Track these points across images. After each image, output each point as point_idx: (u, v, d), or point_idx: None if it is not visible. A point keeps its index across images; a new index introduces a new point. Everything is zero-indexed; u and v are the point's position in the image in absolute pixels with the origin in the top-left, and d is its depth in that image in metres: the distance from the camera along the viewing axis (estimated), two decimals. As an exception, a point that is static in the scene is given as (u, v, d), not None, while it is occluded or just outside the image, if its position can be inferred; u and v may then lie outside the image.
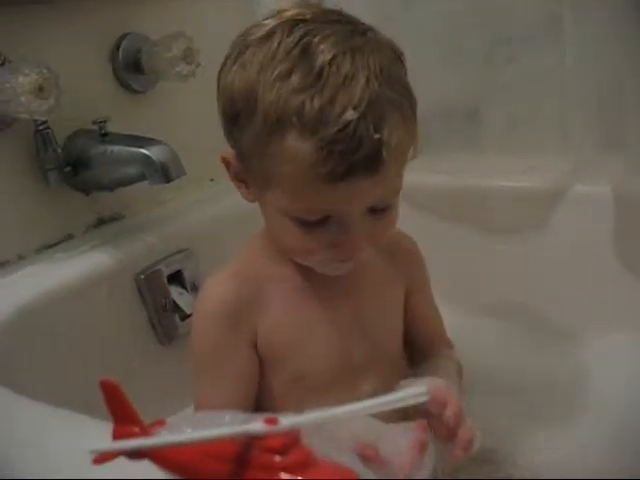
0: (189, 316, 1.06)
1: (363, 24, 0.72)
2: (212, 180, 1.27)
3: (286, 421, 0.42)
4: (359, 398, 0.46)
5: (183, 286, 1.08)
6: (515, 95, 1.21)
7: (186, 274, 1.08)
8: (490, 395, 0.96)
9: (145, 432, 0.47)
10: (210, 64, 1.13)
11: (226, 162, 0.76)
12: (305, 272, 0.78)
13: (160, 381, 1.01)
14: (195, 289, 1.08)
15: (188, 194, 1.20)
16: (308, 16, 0.69)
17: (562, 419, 0.94)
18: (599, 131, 1.12)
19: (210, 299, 0.78)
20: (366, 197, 0.68)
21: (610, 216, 1.10)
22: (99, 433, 0.54)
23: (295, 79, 0.65)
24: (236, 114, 0.70)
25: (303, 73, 0.65)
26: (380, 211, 0.71)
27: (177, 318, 1.06)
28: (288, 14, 0.70)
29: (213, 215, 1.16)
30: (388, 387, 0.62)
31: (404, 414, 0.66)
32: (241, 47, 0.71)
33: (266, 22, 0.70)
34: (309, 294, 0.79)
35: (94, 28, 1.09)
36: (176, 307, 1.06)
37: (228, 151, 0.75)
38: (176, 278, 1.07)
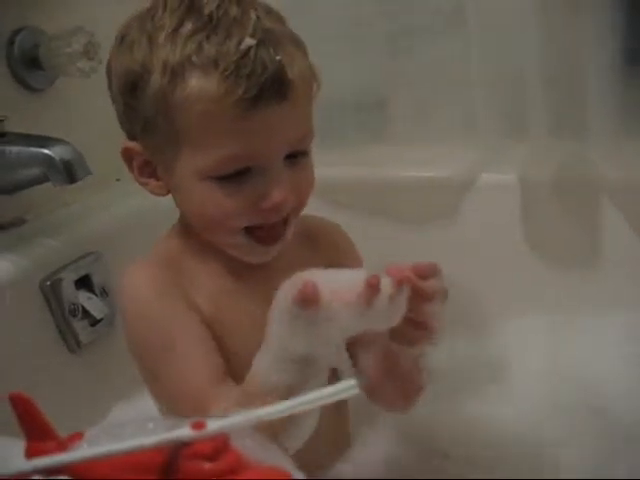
0: (99, 321, 1.03)
1: None
2: (118, 180, 1.23)
3: (213, 424, 0.40)
4: None
5: (92, 291, 1.04)
6: (420, 85, 1.22)
7: (94, 278, 1.04)
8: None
9: (62, 447, 0.44)
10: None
11: (128, 153, 0.74)
12: (223, 264, 0.76)
13: (73, 391, 0.97)
14: (105, 293, 1.05)
15: (93, 195, 1.15)
16: None
17: (482, 401, 0.95)
18: (503, 120, 1.14)
19: (137, 284, 0.73)
20: (282, 133, 0.68)
21: (516, 202, 1.13)
22: (9, 452, 0.51)
23: (186, 28, 0.67)
24: (133, 86, 0.69)
25: (193, 21, 0.67)
26: (299, 158, 0.71)
27: (87, 324, 1.02)
28: None
29: (121, 216, 1.13)
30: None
31: None
32: (122, 32, 0.72)
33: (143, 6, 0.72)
34: (229, 287, 0.76)
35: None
36: (85, 313, 1.02)
37: (127, 143, 0.73)
38: (84, 283, 1.03)
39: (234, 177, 0.68)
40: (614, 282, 1.09)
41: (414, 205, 1.19)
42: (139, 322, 0.73)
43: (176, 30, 0.67)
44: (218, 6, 0.68)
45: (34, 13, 1.09)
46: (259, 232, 0.72)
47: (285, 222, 0.73)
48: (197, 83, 0.65)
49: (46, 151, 0.92)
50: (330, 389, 0.44)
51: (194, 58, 0.65)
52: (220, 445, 0.40)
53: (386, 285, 0.57)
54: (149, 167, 0.73)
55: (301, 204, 0.73)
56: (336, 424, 0.84)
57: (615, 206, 1.09)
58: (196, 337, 0.71)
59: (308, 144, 0.73)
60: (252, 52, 0.65)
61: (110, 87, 0.74)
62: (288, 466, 0.41)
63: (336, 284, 0.58)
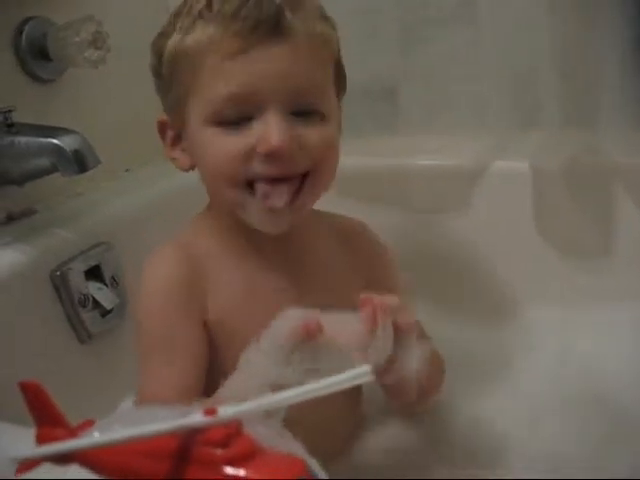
0: (109, 312, 1.02)
1: None
2: (127, 170, 1.23)
3: (226, 411, 0.40)
4: None
5: (102, 281, 1.03)
6: (432, 75, 1.21)
7: (105, 269, 1.03)
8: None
9: (72, 434, 0.44)
10: (120, 49, 1.10)
11: (162, 127, 0.77)
12: (252, 249, 0.76)
13: (83, 381, 0.96)
14: (115, 284, 1.04)
15: (102, 186, 1.15)
16: None
17: (492, 394, 0.94)
18: (515, 108, 1.13)
19: (157, 275, 0.74)
20: (281, 76, 0.68)
21: (528, 191, 1.12)
22: (20, 439, 0.51)
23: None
24: (159, 53, 0.74)
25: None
26: (312, 117, 0.70)
27: (97, 314, 1.01)
28: None
29: (130, 206, 1.12)
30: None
31: None
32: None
33: None
34: (253, 276, 0.76)
35: (-9, 13, 1.02)
36: (95, 303, 1.01)
37: (160, 116, 0.77)
38: (94, 273, 1.02)
39: (236, 124, 0.69)
40: (627, 272, 1.08)
41: (426, 194, 1.19)
42: (146, 313, 0.75)
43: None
44: None
45: (42, 3, 1.08)
46: (262, 187, 0.70)
47: (299, 185, 0.71)
48: (201, 31, 0.69)
49: (55, 141, 0.91)
50: (343, 376, 0.43)
51: (202, 11, 0.70)
52: (232, 431, 0.40)
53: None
54: (179, 140, 0.76)
55: (316, 167, 0.72)
56: (349, 408, 0.83)
57: (628, 195, 1.09)
58: (184, 350, 0.72)
59: (317, 103, 0.71)
60: None
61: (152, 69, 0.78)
62: (301, 453, 0.41)
63: (336, 324, 0.63)
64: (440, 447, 0.87)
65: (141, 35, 1.21)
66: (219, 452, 0.40)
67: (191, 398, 0.68)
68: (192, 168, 0.76)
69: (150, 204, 1.13)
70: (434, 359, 0.77)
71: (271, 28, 0.67)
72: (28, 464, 0.42)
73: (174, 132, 0.76)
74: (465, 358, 1.01)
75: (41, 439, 0.43)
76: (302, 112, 0.70)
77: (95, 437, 0.41)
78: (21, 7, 1.05)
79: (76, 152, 0.91)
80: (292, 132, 0.68)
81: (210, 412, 0.39)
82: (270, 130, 0.67)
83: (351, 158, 1.19)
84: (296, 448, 0.40)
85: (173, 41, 0.72)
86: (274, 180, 0.70)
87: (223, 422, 0.39)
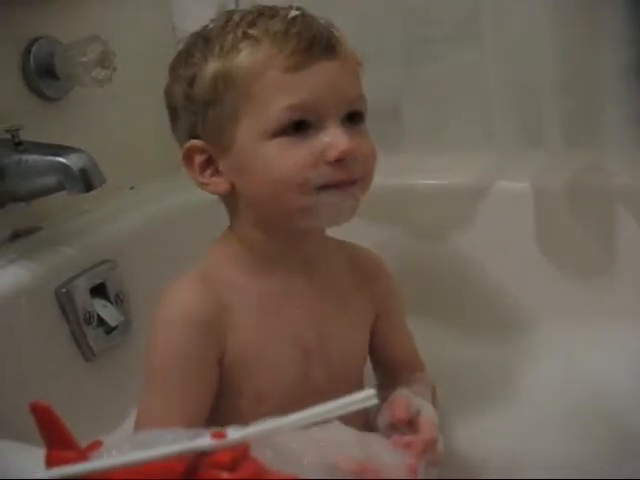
0: (114, 329, 1.02)
1: None
2: (132, 188, 1.23)
3: (234, 434, 0.40)
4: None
5: (107, 298, 1.04)
6: (435, 94, 1.22)
7: (109, 286, 1.04)
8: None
9: (82, 456, 0.44)
10: (126, 68, 1.11)
11: (189, 153, 0.76)
12: (271, 283, 0.77)
13: (87, 398, 0.97)
14: (120, 301, 1.05)
15: (107, 203, 1.15)
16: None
17: (497, 410, 0.95)
18: (519, 128, 1.14)
19: (177, 305, 0.74)
20: (337, 87, 0.71)
21: (531, 211, 1.13)
22: (26, 457, 0.51)
23: (235, 18, 0.74)
24: (193, 79, 0.74)
25: (241, 14, 0.75)
26: (358, 124, 0.74)
27: (102, 332, 1.02)
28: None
29: (135, 223, 1.12)
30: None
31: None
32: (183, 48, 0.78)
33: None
34: (274, 308, 0.77)
35: (2, 32, 1.03)
36: (100, 321, 1.02)
37: (188, 143, 0.76)
38: (99, 291, 1.03)
39: (296, 132, 0.71)
40: (629, 291, 1.08)
41: (429, 213, 1.19)
42: (161, 342, 0.74)
43: (226, 22, 0.74)
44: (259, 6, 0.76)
45: (50, 23, 1.09)
46: (333, 192, 0.72)
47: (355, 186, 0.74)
48: (251, 50, 0.71)
49: (62, 159, 0.92)
50: (349, 399, 0.44)
51: (248, 31, 0.72)
52: (239, 455, 0.40)
53: None
54: (210, 165, 0.75)
55: (367, 173, 0.75)
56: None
57: (630, 215, 1.09)
58: (192, 386, 0.72)
59: (364, 107, 0.76)
60: (299, 18, 0.72)
61: (170, 102, 0.78)
62: (308, 476, 0.41)
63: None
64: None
65: (147, 54, 1.23)
66: (226, 475, 0.40)
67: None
68: (228, 191, 0.76)
69: (155, 221, 1.13)
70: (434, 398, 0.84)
71: (324, 46, 0.71)
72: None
73: (205, 156, 0.75)
74: (468, 376, 1.01)
75: (52, 461, 0.44)
76: (352, 121, 0.73)
77: (106, 460, 0.41)
78: (30, 27, 1.06)
79: (83, 171, 0.91)
80: (352, 140, 0.72)
81: (218, 435, 0.40)
82: (337, 137, 0.70)
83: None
84: (306, 470, 0.41)
85: (213, 65, 0.72)
86: (342, 184, 0.72)
87: (231, 445, 0.40)
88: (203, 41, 0.75)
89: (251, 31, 0.72)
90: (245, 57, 0.71)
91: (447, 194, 1.19)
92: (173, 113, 0.78)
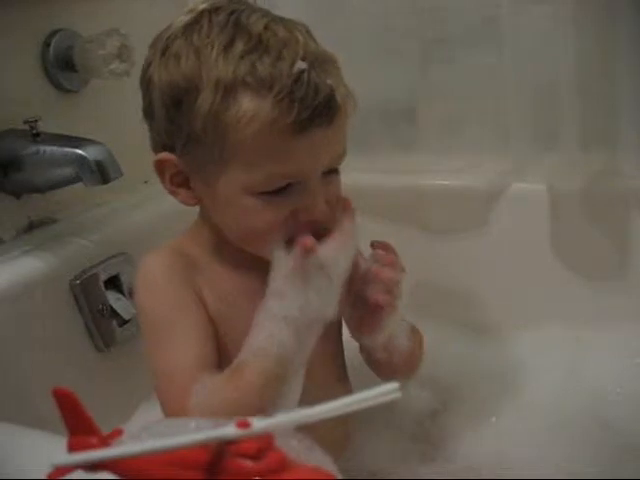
0: (127, 322, 1.03)
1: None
2: (146, 182, 1.23)
3: (259, 424, 0.40)
4: None
5: (120, 291, 1.04)
6: (451, 95, 1.21)
7: (123, 279, 1.04)
8: (425, 389, 0.97)
9: (104, 442, 0.44)
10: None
11: (161, 165, 0.75)
12: (236, 266, 0.78)
13: (100, 389, 0.97)
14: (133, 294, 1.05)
15: (122, 196, 1.16)
16: (223, 3, 0.73)
17: (499, 412, 0.95)
18: (534, 130, 1.14)
19: (151, 269, 0.77)
20: (326, 152, 0.71)
21: (546, 213, 1.13)
22: (51, 446, 0.51)
23: (238, 47, 0.68)
24: (178, 101, 0.70)
25: (244, 41, 0.68)
26: (333, 174, 0.74)
27: (115, 324, 1.02)
28: (202, 6, 0.73)
29: (149, 217, 1.13)
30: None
31: None
32: (164, 43, 0.73)
33: (181, 18, 0.74)
34: (239, 288, 0.78)
35: (22, 24, 1.04)
36: (113, 313, 1.02)
37: (161, 154, 0.74)
38: (113, 283, 1.03)
39: (276, 192, 0.70)
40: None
41: (443, 213, 1.19)
42: (145, 304, 0.76)
43: (227, 48, 0.68)
44: (265, 27, 0.70)
45: (69, 15, 1.10)
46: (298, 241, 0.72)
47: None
48: (251, 104, 0.67)
49: (79, 151, 0.92)
50: (372, 392, 0.44)
51: (248, 78, 0.67)
52: (264, 445, 0.40)
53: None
54: (181, 177, 0.75)
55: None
56: (335, 423, 0.83)
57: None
58: (194, 323, 0.74)
59: (344, 157, 0.75)
60: (305, 76, 0.67)
61: (147, 98, 0.75)
62: (331, 467, 0.41)
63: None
64: (442, 464, 0.87)
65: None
66: (250, 464, 0.40)
67: (211, 367, 0.71)
68: (196, 204, 0.77)
69: (168, 215, 1.12)
70: (415, 334, 0.86)
71: (324, 115, 0.68)
72: (61, 470, 0.42)
73: (177, 169, 0.74)
74: (478, 375, 1.02)
75: (74, 446, 0.44)
76: (329, 171, 0.73)
77: (129, 447, 0.41)
78: (49, 19, 1.07)
79: (99, 163, 0.92)
80: (323, 195, 0.72)
81: (243, 424, 0.40)
82: (313, 200, 0.71)
83: (369, 175, 1.21)
84: (327, 462, 0.41)
85: (210, 101, 0.68)
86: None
87: (255, 435, 0.40)
88: (195, 54, 0.69)
89: (252, 77, 0.67)
90: (245, 108, 0.67)
91: (461, 195, 1.19)
92: (148, 107, 0.75)
